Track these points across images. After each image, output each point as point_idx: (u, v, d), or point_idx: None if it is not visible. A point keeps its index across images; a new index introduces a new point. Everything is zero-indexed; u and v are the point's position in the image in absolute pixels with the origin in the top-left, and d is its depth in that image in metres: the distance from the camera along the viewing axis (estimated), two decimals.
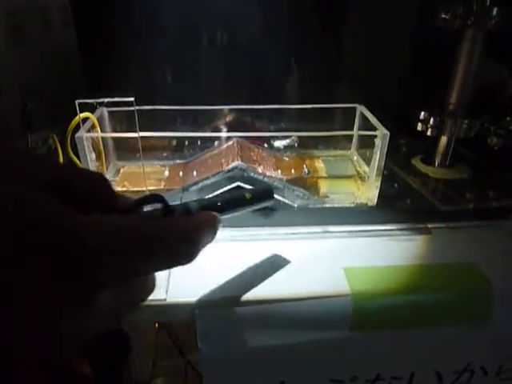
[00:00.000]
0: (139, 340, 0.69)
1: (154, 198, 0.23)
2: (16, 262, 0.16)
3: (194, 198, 0.42)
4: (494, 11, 0.43)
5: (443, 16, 0.45)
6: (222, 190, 0.42)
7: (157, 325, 0.77)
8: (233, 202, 0.30)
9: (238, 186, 0.42)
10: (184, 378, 0.78)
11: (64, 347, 0.18)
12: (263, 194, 0.34)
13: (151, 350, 0.82)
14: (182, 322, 0.34)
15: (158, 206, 0.23)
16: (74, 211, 0.18)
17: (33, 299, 0.16)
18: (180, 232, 0.22)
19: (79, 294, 0.18)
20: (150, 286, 0.23)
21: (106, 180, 0.22)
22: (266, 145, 0.50)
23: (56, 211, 0.18)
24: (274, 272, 0.36)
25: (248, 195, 0.32)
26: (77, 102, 0.33)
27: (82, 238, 0.18)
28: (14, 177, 0.18)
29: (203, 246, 0.23)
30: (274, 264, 0.37)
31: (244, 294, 0.34)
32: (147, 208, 0.24)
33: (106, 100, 0.33)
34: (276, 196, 0.42)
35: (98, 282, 0.18)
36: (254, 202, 0.32)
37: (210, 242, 0.24)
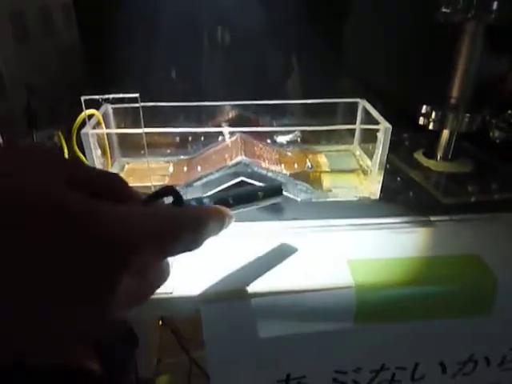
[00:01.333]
0: (143, 337, 0.70)
1: (169, 190, 0.25)
2: (54, 248, 0.17)
3: (199, 193, 0.43)
4: (494, 5, 0.43)
5: (444, 10, 0.45)
6: (225, 185, 0.42)
7: (161, 322, 0.78)
8: (243, 199, 0.31)
9: (242, 181, 0.42)
10: (188, 375, 0.78)
11: (91, 330, 0.20)
12: (273, 191, 0.35)
13: (155, 348, 0.82)
14: (188, 315, 0.34)
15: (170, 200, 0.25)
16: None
17: (67, 283, 0.18)
18: (192, 218, 0.23)
19: (108, 279, 0.19)
20: (167, 272, 0.24)
21: (122, 178, 0.24)
22: (269, 140, 0.50)
23: (90, 202, 0.19)
24: (280, 262, 0.37)
25: (259, 193, 0.33)
26: (82, 98, 0.33)
27: (112, 225, 0.19)
28: (45, 172, 0.19)
29: (210, 235, 0.25)
30: (280, 254, 0.38)
31: (249, 286, 0.34)
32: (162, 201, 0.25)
33: (112, 96, 0.34)
34: None
35: (126, 266, 0.19)
36: (264, 198, 0.34)
37: (217, 232, 0.26)
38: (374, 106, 0.47)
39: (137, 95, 0.33)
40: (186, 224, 0.23)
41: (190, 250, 0.24)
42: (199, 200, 0.27)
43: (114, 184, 0.24)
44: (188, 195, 0.43)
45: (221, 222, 0.26)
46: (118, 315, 0.20)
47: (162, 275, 0.24)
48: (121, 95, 0.33)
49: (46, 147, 0.46)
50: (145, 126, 0.39)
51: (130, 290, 0.20)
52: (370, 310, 0.35)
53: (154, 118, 0.47)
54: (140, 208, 0.23)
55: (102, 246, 0.18)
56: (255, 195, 0.33)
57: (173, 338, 0.75)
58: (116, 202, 0.21)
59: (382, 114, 0.45)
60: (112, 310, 0.19)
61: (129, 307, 0.21)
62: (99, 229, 0.18)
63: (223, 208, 0.27)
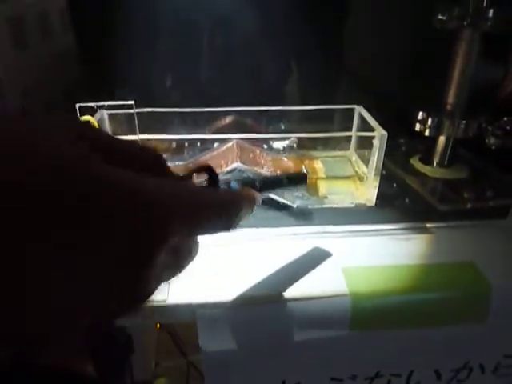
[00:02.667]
0: (141, 340, 0.70)
1: (207, 168, 0.25)
2: (84, 222, 0.16)
3: None
4: (490, 12, 0.43)
5: (440, 17, 0.45)
6: None
7: (158, 325, 0.78)
8: (270, 183, 0.32)
9: None
10: (186, 378, 0.78)
11: (126, 304, 0.19)
12: (298, 178, 0.36)
13: (153, 351, 0.82)
14: (184, 322, 0.34)
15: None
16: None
17: (98, 257, 0.17)
18: (228, 199, 0.24)
19: (145, 253, 0.18)
20: (195, 251, 0.24)
21: (159, 154, 0.24)
22: (265, 146, 0.50)
23: (129, 174, 0.18)
24: (275, 269, 0.37)
25: (284, 179, 0.34)
26: (77, 105, 0.33)
27: (148, 198, 0.18)
28: (68, 138, 0.18)
29: (242, 218, 0.25)
30: (275, 261, 0.38)
31: (243, 293, 0.34)
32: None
33: (107, 103, 0.34)
34: (275, 197, 0.43)
35: (165, 240, 0.18)
36: (289, 184, 0.34)
37: (249, 214, 0.26)
38: (371, 112, 0.48)
39: (132, 102, 0.33)
40: (222, 203, 0.23)
41: (221, 231, 0.23)
42: (227, 183, 0.28)
43: (149, 159, 0.23)
44: None
45: (252, 205, 0.26)
46: (151, 292, 0.20)
47: (192, 253, 0.24)
48: (116, 102, 0.33)
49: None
50: (141, 131, 0.39)
51: (165, 264, 0.20)
52: (364, 318, 0.35)
53: (151, 123, 0.47)
54: (175, 182, 0.23)
55: (143, 219, 0.17)
56: (280, 180, 0.34)
57: (170, 340, 0.75)
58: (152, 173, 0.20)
59: (378, 120, 0.45)
60: (149, 285, 0.19)
61: (160, 283, 0.21)
62: (139, 198, 0.18)
63: (254, 191, 0.27)
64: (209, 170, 0.25)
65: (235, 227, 0.24)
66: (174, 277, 0.23)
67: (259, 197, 0.27)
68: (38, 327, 0.17)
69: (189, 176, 0.25)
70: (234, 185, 0.28)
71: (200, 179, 0.26)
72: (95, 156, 0.18)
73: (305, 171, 0.45)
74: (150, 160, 0.23)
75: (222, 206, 0.23)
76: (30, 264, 0.15)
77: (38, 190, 0.15)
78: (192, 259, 0.24)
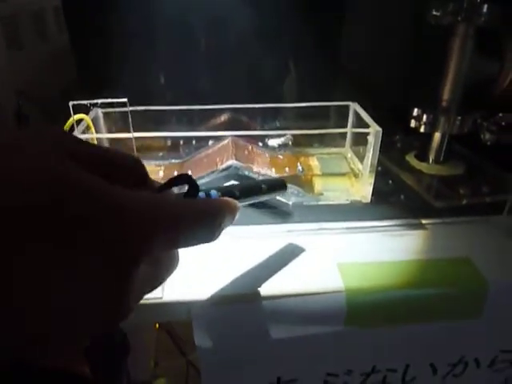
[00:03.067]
0: (140, 340, 0.70)
1: (185, 178, 0.24)
2: (61, 236, 0.16)
3: None
4: (484, 8, 0.43)
5: (434, 13, 0.45)
6: None
7: (157, 325, 0.78)
8: (249, 191, 0.32)
9: None
10: (186, 378, 0.78)
11: (102, 321, 0.19)
12: (277, 185, 0.36)
13: (152, 351, 0.82)
14: (179, 320, 0.34)
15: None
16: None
17: (74, 272, 0.16)
18: (208, 210, 0.23)
19: (121, 267, 0.18)
20: (176, 263, 0.24)
21: (138, 159, 0.23)
22: (260, 143, 0.50)
23: (101, 183, 0.18)
24: (268, 266, 0.37)
25: (263, 186, 0.34)
26: (71, 103, 0.33)
27: (126, 210, 0.18)
28: (43, 148, 0.18)
29: (224, 228, 0.24)
30: (269, 260, 0.38)
31: (239, 290, 0.34)
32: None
33: (100, 101, 0.34)
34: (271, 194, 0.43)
35: (140, 255, 0.18)
36: (268, 192, 0.34)
37: (230, 224, 0.25)
38: (366, 110, 0.47)
39: (125, 100, 0.33)
40: (201, 215, 0.22)
41: (203, 242, 0.23)
42: (207, 192, 0.27)
43: (127, 166, 0.23)
44: None
45: (233, 214, 0.26)
46: (133, 304, 0.19)
47: (173, 262, 0.23)
48: (109, 100, 0.33)
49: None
50: (136, 130, 0.39)
51: (146, 277, 0.20)
52: (360, 314, 0.35)
53: (146, 121, 0.47)
54: (155, 195, 0.22)
55: (125, 232, 0.17)
56: (259, 188, 0.34)
57: (170, 340, 0.75)
58: (129, 185, 0.20)
59: (374, 117, 0.45)
60: (131, 298, 0.19)
61: (142, 295, 0.21)
62: (121, 210, 0.17)
63: (234, 200, 0.27)
64: (188, 179, 0.24)
65: (217, 237, 0.24)
66: (153, 289, 0.22)
67: (239, 206, 0.27)
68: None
69: (168, 185, 0.24)
70: (213, 194, 0.27)
71: (180, 188, 0.25)
72: (71, 164, 0.17)
73: (284, 178, 0.45)
74: (131, 169, 0.23)
75: (204, 216, 0.22)
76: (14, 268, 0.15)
77: (11, 206, 0.15)
78: (172, 271, 0.23)
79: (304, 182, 0.46)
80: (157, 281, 0.22)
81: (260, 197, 0.34)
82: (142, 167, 0.23)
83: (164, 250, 0.21)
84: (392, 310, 0.36)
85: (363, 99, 0.50)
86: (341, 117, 0.51)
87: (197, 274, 0.36)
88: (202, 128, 0.49)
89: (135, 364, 0.54)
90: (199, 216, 0.22)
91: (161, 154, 0.50)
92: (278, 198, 0.43)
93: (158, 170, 0.48)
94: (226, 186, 0.31)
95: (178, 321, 0.35)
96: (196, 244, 0.23)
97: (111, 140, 0.46)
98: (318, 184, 0.46)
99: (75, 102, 0.33)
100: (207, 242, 0.23)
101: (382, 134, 0.41)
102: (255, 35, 0.52)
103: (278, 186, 0.36)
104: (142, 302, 0.32)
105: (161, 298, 0.33)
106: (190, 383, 0.78)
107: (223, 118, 0.49)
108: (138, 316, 0.33)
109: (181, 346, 0.76)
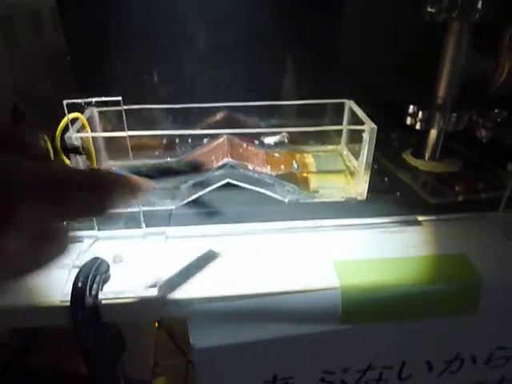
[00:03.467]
0: (139, 340, 0.70)
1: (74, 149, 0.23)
2: None
3: (185, 196, 0.43)
4: (479, 4, 0.43)
5: (429, 9, 0.45)
6: (212, 187, 0.42)
7: (157, 324, 0.78)
8: (160, 171, 0.31)
9: (228, 183, 0.42)
10: (185, 377, 0.78)
11: None
12: (192, 165, 0.36)
13: (152, 350, 0.82)
14: (175, 319, 0.34)
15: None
16: None
17: None
18: (91, 179, 0.21)
19: None
20: (65, 242, 0.22)
21: (15, 127, 0.22)
22: (256, 141, 0.50)
23: None
24: (268, 264, 0.37)
25: (177, 165, 0.34)
26: (65, 102, 0.33)
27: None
28: None
29: (120, 203, 0.23)
30: (263, 258, 0.38)
31: (235, 288, 0.34)
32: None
33: (94, 100, 0.34)
34: (267, 191, 0.43)
35: (9, 222, 0.17)
36: (182, 172, 0.34)
37: (127, 201, 0.24)
38: (362, 107, 0.47)
39: (119, 98, 0.33)
40: (82, 183, 0.20)
41: (92, 215, 0.21)
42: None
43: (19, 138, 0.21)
44: (174, 198, 0.43)
45: (134, 191, 0.24)
46: (10, 277, 0.18)
47: (58, 243, 0.21)
48: (103, 98, 0.33)
49: None
50: (132, 128, 0.39)
51: (24, 252, 0.18)
52: (355, 311, 0.35)
53: (141, 119, 0.47)
54: (28, 160, 0.20)
55: None
56: (172, 169, 0.33)
57: (169, 340, 0.75)
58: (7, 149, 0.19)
59: (369, 115, 0.45)
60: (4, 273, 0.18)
61: (23, 271, 0.19)
62: None
63: (139, 178, 0.25)
64: (77, 149, 0.23)
65: (108, 211, 0.22)
66: (42, 263, 0.20)
67: (148, 184, 0.26)
68: None
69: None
70: (117, 170, 0.27)
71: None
72: None
73: (280, 176, 0.45)
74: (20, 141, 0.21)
75: (83, 186, 0.21)
76: None
77: None
78: (62, 248, 0.21)
79: (299, 180, 0.46)
80: (41, 257, 0.20)
81: (174, 176, 0.33)
82: (18, 132, 0.22)
83: (43, 222, 0.20)
84: (387, 307, 0.36)
85: (359, 96, 0.50)
86: (337, 115, 0.51)
87: (195, 273, 0.36)
88: (198, 126, 0.49)
89: (135, 363, 0.54)
90: (76, 183, 0.20)
91: (156, 152, 0.50)
92: (272, 194, 0.43)
93: None
94: (135, 167, 0.30)
95: (173, 319, 0.35)
96: (85, 216, 0.21)
97: (106, 139, 0.46)
98: (314, 181, 0.46)
99: (69, 101, 0.33)
100: (97, 215, 0.22)
101: (378, 131, 0.41)
102: (251, 33, 0.52)
103: (193, 166, 0.36)
104: (138, 299, 0.33)
105: (156, 296, 0.33)
106: (190, 382, 0.78)
107: (219, 116, 0.49)
108: (133, 313, 0.34)
109: (180, 345, 0.76)
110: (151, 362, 0.81)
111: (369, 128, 0.41)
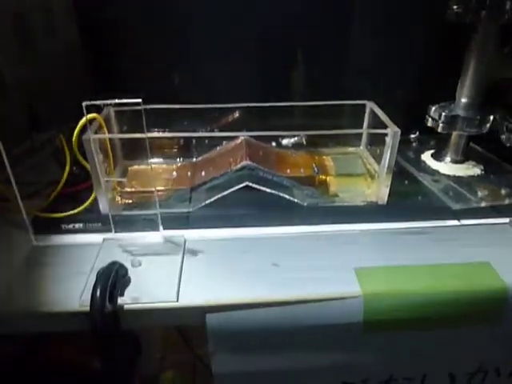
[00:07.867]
0: (147, 334, 0.70)
1: None
2: None
3: (203, 198, 0.42)
4: (508, 5, 0.42)
5: (455, 9, 0.44)
6: (230, 190, 0.41)
7: None
8: None
9: (247, 186, 0.41)
10: (193, 372, 0.78)
11: None
12: None
13: (160, 345, 0.82)
14: (194, 324, 0.34)
15: None
16: None
17: None
18: None
19: None
20: None
21: None
22: (273, 143, 0.49)
23: None
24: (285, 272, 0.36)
25: None
26: (84, 103, 0.32)
27: None
28: None
29: None
30: (282, 264, 0.37)
31: (256, 295, 0.33)
32: None
33: (114, 101, 0.33)
34: (285, 195, 0.42)
35: None
36: None
37: None
38: (382, 106, 0.46)
39: (139, 100, 0.32)
40: None
41: None
42: None
43: None
44: (192, 200, 0.42)
45: None
46: None
47: None
48: (123, 100, 0.32)
49: None
50: (149, 128, 0.38)
51: None
52: (377, 320, 0.34)
53: (158, 120, 0.46)
54: None
55: None
56: None
57: (177, 334, 0.75)
58: None
59: (389, 115, 0.44)
60: None
61: None
62: None
63: None
64: None
65: None
66: None
67: None
68: None
69: None
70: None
71: None
72: None
73: (299, 179, 0.44)
74: None
75: None
76: None
77: None
78: None
79: (319, 183, 0.45)
80: None
81: None
82: None
83: None
84: (410, 315, 0.35)
85: (379, 97, 0.49)
86: (356, 115, 0.50)
87: (212, 278, 0.35)
88: (215, 127, 0.48)
89: (143, 358, 0.54)
90: None
91: (173, 153, 0.49)
92: (291, 198, 0.43)
93: (171, 171, 0.47)
94: None
95: (192, 325, 0.34)
96: None
97: (123, 139, 0.45)
98: (333, 185, 0.45)
99: (88, 103, 0.32)
100: None
101: None
102: (268, 33, 0.51)
103: None
104: (158, 305, 0.32)
105: (175, 301, 0.33)
106: (198, 376, 0.78)
107: (236, 117, 0.48)
108: (153, 319, 0.34)
109: (188, 340, 0.76)
110: (158, 356, 0.81)
111: (392, 132, 0.40)
